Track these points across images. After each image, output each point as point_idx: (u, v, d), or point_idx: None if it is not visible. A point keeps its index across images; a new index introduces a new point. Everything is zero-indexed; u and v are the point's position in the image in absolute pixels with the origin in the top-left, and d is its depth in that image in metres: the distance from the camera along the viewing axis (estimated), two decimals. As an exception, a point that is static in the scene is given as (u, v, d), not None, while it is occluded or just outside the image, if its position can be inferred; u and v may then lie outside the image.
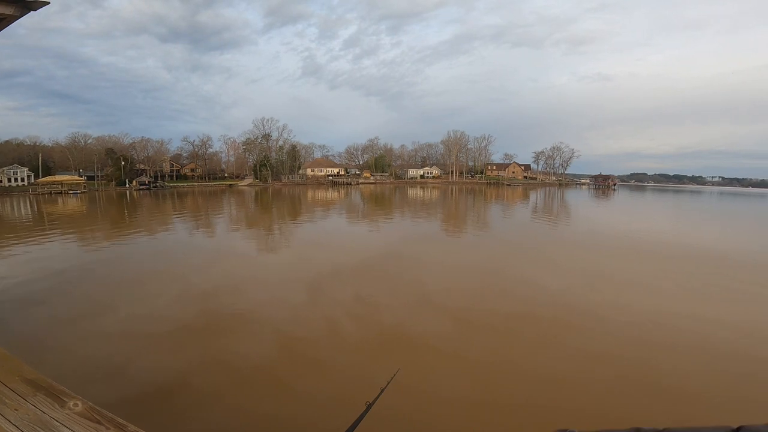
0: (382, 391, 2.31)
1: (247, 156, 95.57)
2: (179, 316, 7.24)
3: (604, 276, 10.38)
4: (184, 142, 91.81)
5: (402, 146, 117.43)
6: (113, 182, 71.99)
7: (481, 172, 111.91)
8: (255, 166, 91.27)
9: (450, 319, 7.20)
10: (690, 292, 9.04)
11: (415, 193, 59.90)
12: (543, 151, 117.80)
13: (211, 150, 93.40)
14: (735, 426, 0.44)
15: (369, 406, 2.17)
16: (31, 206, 36.71)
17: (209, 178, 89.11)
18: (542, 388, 4.91)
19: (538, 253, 13.69)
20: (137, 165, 78.59)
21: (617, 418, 4.40)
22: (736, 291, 9.10)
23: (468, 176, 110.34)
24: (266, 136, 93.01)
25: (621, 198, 57.83)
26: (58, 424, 2.31)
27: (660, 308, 7.74)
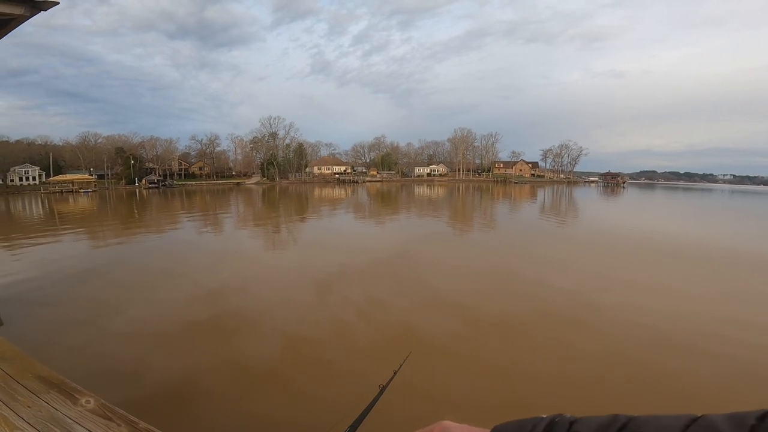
0: (395, 373, 2.33)
1: (254, 154, 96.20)
2: (188, 314, 7.29)
3: (616, 276, 10.24)
4: (192, 141, 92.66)
5: (409, 144, 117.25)
6: (123, 181, 72.94)
7: (488, 170, 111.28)
8: (262, 164, 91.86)
9: (458, 318, 7.15)
10: (706, 293, 8.87)
11: (422, 191, 59.73)
12: (551, 149, 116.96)
13: (218, 148, 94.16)
14: (698, 415, 0.47)
15: (383, 389, 2.19)
16: (43, 205, 37.29)
17: (217, 177, 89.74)
18: (552, 388, 4.85)
19: (547, 252, 13.54)
20: (146, 164, 79.52)
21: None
22: (754, 292, 8.92)
23: (475, 174, 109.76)
24: (273, 135, 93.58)
25: (630, 196, 57.09)
26: (71, 421, 2.32)
27: (674, 309, 7.61)
